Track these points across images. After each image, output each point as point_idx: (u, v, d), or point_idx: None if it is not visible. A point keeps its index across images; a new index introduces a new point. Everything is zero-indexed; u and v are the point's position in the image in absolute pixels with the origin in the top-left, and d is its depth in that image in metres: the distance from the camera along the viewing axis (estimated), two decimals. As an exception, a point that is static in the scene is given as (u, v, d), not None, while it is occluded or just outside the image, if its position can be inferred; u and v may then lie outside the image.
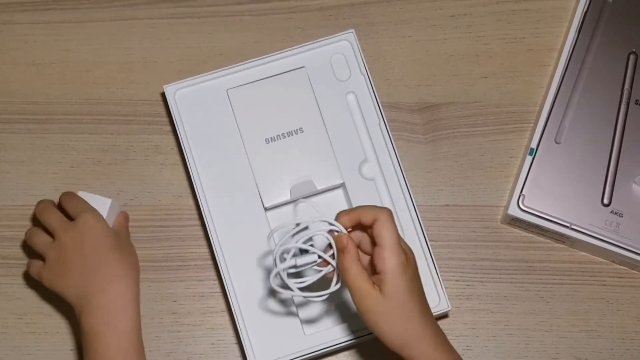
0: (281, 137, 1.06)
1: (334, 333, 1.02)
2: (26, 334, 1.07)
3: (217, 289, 1.08)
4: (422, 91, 1.14)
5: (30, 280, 1.07)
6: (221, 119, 1.08)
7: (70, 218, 1.01)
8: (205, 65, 1.13)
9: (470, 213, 1.10)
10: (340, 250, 0.84)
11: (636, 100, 1.09)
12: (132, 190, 1.11)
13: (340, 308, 1.04)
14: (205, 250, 1.08)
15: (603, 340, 1.07)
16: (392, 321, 0.84)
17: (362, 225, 0.86)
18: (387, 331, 0.84)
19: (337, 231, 0.85)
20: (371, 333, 1.01)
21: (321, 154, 1.06)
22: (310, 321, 1.03)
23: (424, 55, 1.15)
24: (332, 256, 0.86)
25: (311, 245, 0.86)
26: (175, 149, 1.12)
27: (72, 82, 1.14)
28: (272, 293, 1.03)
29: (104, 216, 1.04)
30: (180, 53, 1.15)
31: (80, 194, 1.04)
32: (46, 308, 1.07)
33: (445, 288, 1.03)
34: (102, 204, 1.04)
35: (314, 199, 1.06)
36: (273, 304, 1.03)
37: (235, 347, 1.06)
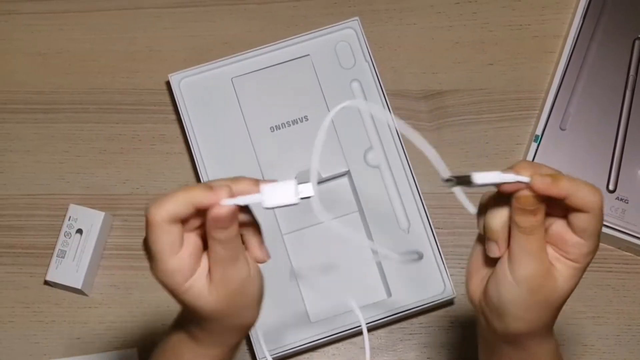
0: (286, 125, 1.06)
1: (339, 320, 1.02)
2: (33, 323, 1.07)
3: (223, 277, 1.08)
4: (427, 78, 1.14)
5: (38, 269, 1.08)
6: (226, 107, 1.08)
7: None
8: (210, 53, 1.13)
9: (476, 200, 1.10)
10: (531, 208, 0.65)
11: (642, 87, 1.09)
12: (137, 179, 1.11)
13: (346, 295, 1.04)
14: (211, 238, 1.09)
15: (609, 326, 1.07)
16: (545, 311, 0.70)
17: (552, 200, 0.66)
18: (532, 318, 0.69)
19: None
20: (376, 320, 1.01)
21: (326, 142, 1.06)
22: (316, 309, 1.03)
23: (429, 43, 1.15)
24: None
25: None
26: (181, 138, 1.12)
27: (78, 72, 1.15)
28: (283, 281, 1.03)
29: (97, 230, 1.04)
30: (185, 42, 1.15)
31: (71, 207, 1.06)
32: (53, 297, 1.08)
33: (450, 275, 1.03)
34: (94, 218, 1.05)
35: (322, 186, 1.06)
36: (279, 293, 1.03)
37: (242, 335, 1.06)
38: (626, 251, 1.08)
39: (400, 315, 1.03)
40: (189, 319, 0.72)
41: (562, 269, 0.67)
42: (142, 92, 1.14)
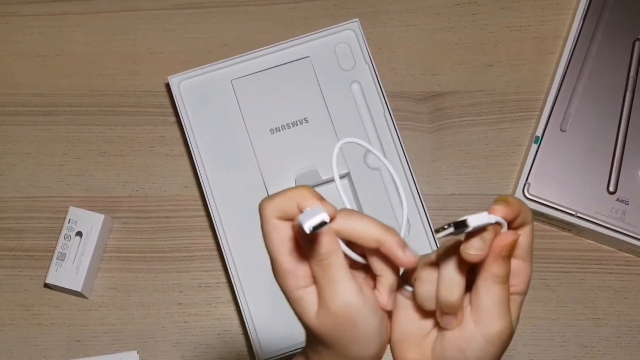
0: (286, 127, 1.06)
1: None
2: (33, 326, 1.07)
3: (223, 279, 1.08)
4: (427, 80, 1.14)
5: (37, 271, 1.08)
6: (226, 109, 1.08)
7: None
8: (209, 55, 1.13)
9: (476, 202, 1.10)
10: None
11: (642, 88, 1.09)
12: (137, 181, 1.11)
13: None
14: (211, 240, 1.09)
15: (610, 328, 1.06)
16: None
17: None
18: None
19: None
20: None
21: (326, 144, 1.06)
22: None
23: (428, 44, 1.15)
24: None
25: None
26: (181, 140, 1.12)
27: (78, 74, 1.15)
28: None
29: (97, 233, 1.04)
30: (184, 44, 1.15)
31: (71, 209, 1.06)
32: (53, 300, 1.08)
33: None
34: (94, 220, 1.05)
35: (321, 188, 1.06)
36: (279, 295, 1.03)
37: (242, 337, 1.06)
38: (626, 252, 1.08)
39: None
40: (308, 339, 0.68)
41: (513, 309, 0.64)
42: (142, 94, 1.14)
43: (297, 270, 0.63)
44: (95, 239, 1.06)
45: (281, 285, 0.65)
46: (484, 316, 0.62)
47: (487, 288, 0.61)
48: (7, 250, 1.09)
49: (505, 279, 0.62)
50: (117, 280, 1.08)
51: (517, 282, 0.63)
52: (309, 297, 0.64)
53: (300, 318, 0.65)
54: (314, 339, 0.65)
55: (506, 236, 0.61)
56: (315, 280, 0.63)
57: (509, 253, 0.61)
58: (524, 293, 0.64)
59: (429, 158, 1.11)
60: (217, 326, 1.07)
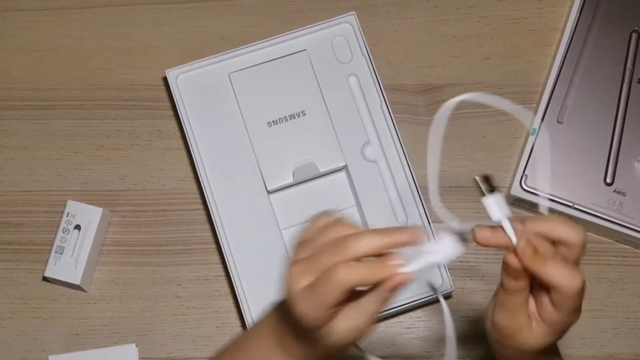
0: (283, 120, 1.06)
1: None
2: (32, 319, 1.07)
3: (222, 272, 1.08)
4: (424, 73, 1.14)
5: (36, 265, 1.08)
6: (223, 102, 1.08)
7: None
8: (207, 49, 1.13)
9: (474, 194, 1.09)
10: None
11: (638, 79, 1.08)
12: (135, 175, 1.11)
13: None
14: (209, 234, 1.09)
15: (608, 319, 1.07)
16: None
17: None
18: None
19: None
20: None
21: (323, 137, 1.06)
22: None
23: (426, 37, 1.15)
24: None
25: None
26: (178, 134, 1.12)
27: (75, 68, 1.15)
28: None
29: (95, 226, 1.04)
30: (182, 37, 1.15)
31: (69, 203, 1.06)
32: (52, 293, 1.08)
33: (448, 269, 1.03)
34: (92, 214, 1.05)
35: (319, 181, 1.06)
36: (276, 287, 1.03)
37: (240, 330, 1.06)
38: (624, 244, 1.08)
39: (399, 310, 1.03)
40: (291, 331, 0.73)
41: (536, 328, 0.71)
42: (140, 88, 1.14)
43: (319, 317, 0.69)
44: (93, 233, 1.06)
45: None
46: (495, 305, 0.73)
47: (499, 288, 0.72)
48: (6, 244, 1.09)
49: (511, 292, 0.71)
50: (116, 273, 1.08)
51: (546, 318, 0.71)
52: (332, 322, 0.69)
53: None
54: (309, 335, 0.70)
55: (506, 257, 0.70)
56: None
57: (508, 272, 0.70)
58: (552, 329, 0.71)
59: (426, 150, 1.11)
60: (216, 319, 1.07)
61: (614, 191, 1.05)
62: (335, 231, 0.68)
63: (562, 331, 0.72)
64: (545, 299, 0.70)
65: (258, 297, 1.02)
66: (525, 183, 1.05)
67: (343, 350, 0.71)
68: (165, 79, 1.11)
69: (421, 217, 1.04)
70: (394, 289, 0.66)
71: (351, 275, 0.65)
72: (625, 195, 1.05)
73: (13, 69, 1.15)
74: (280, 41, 1.09)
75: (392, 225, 1.04)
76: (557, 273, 0.67)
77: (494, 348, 0.77)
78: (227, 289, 1.08)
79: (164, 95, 1.13)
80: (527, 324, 0.71)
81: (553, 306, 0.69)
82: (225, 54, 1.09)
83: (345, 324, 0.68)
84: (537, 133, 1.07)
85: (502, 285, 0.70)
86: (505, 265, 0.69)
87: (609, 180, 1.06)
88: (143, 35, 1.15)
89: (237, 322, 1.07)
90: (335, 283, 0.65)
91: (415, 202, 1.05)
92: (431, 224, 1.04)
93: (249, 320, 1.01)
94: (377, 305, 0.67)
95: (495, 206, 0.70)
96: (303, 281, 0.67)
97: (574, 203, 1.05)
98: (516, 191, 1.06)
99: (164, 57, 1.14)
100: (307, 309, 0.67)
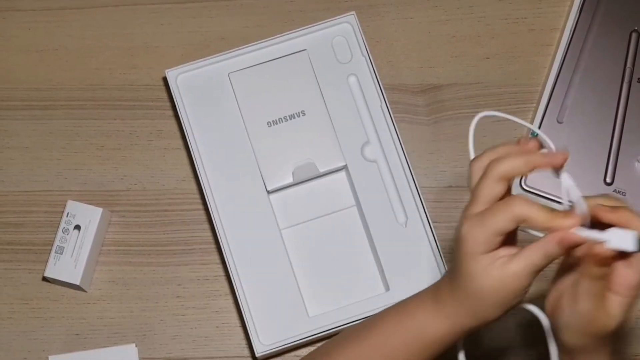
0: (283, 120, 1.06)
1: (337, 314, 1.02)
2: (32, 319, 1.07)
3: (221, 272, 1.08)
4: (424, 73, 1.14)
5: (36, 265, 1.08)
6: (223, 102, 1.08)
7: None
8: (207, 49, 1.13)
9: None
10: None
11: (638, 79, 1.08)
12: (135, 175, 1.11)
13: (344, 289, 1.04)
14: (209, 234, 1.09)
15: (608, 319, 1.07)
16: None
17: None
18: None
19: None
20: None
21: (323, 137, 1.06)
22: (314, 303, 1.03)
23: (425, 37, 1.15)
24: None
25: None
26: (178, 134, 1.12)
27: (75, 68, 1.15)
28: (278, 275, 1.03)
29: (95, 226, 1.04)
30: (182, 37, 1.15)
31: (69, 203, 1.06)
32: (52, 293, 1.08)
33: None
34: (92, 214, 1.05)
35: (317, 181, 1.06)
36: (277, 287, 1.03)
37: (240, 330, 1.06)
38: (624, 244, 1.08)
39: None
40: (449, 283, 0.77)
41: (614, 302, 0.73)
42: (140, 88, 1.14)
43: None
44: (93, 233, 1.06)
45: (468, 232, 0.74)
46: (576, 295, 0.75)
47: (581, 276, 0.74)
48: (6, 244, 1.09)
49: (597, 278, 0.73)
50: (116, 273, 1.08)
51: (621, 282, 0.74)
52: (485, 261, 0.74)
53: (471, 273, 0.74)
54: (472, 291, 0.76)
55: (596, 250, 0.71)
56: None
57: (600, 264, 0.71)
58: (627, 297, 0.74)
59: (426, 150, 1.11)
60: (216, 319, 1.07)
61: (614, 191, 1.05)
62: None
63: (634, 298, 0.74)
64: (619, 272, 0.72)
65: (258, 297, 1.02)
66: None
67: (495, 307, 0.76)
68: (165, 79, 1.11)
69: (421, 217, 1.04)
70: (559, 245, 0.69)
71: (526, 210, 0.70)
72: (625, 195, 1.05)
73: (13, 69, 1.15)
74: (280, 41, 1.09)
75: (392, 224, 1.04)
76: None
77: (566, 343, 0.78)
78: (227, 289, 1.08)
79: (164, 95, 1.13)
80: (608, 302, 0.73)
81: (631, 269, 0.72)
82: (225, 54, 1.09)
83: (510, 266, 0.72)
84: (537, 133, 1.07)
85: (585, 275, 0.72)
86: (592, 256, 0.70)
87: (608, 179, 1.06)
88: (143, 35, 1.15)
89: (237, 322, 1.07)
90: (508, 212, 0.70)
91: (415, 201, 1.05)
92: (431, 224, 1.04)
93: (248, 320, 1.01)
94: (539, 257, 0.71)
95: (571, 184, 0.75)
96: (475, 208, 0.73)
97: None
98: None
99: (164, 57, 1.14)
100: (473, 229, 0.71)
